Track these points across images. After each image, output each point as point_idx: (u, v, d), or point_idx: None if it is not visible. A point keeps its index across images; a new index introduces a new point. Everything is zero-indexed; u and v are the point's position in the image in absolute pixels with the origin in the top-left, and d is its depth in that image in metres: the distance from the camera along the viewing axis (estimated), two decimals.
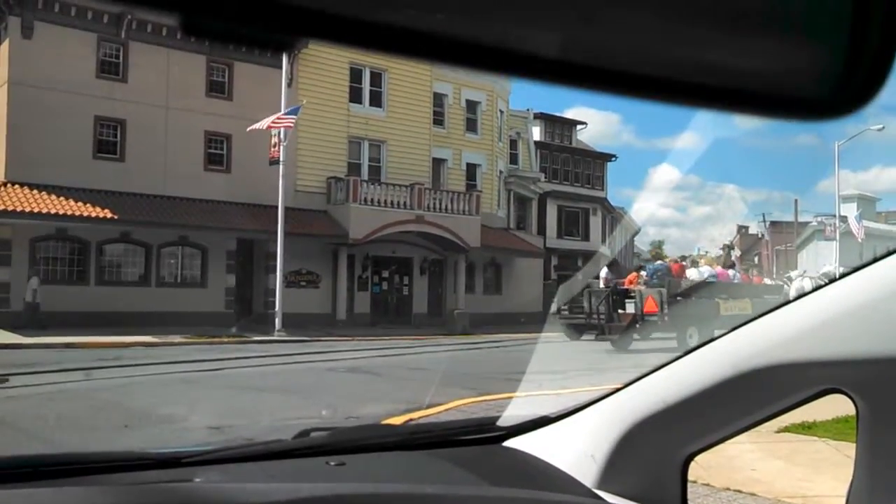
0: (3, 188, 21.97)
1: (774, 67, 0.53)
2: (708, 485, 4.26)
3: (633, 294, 17.84)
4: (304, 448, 1.66)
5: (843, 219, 35.84)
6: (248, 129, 22.40)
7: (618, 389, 1.59)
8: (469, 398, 8.34)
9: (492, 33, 0.48)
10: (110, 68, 24.35)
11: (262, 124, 22.09)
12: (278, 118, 22.01)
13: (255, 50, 24.83)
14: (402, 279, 30.84)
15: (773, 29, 0.52)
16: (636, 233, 55.57)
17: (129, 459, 1.52)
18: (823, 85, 0.55)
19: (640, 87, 0.52)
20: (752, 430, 1.39)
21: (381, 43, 0.48)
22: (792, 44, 0.53)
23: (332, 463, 1.53)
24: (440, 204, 29.21)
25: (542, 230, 39.00)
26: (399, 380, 11.31)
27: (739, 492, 4.21)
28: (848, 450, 4.85)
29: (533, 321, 30.63)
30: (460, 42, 0.48)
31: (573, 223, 41.26)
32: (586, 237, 41.41)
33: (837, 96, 0.56)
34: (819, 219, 43.91)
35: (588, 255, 40.27)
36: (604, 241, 43.07)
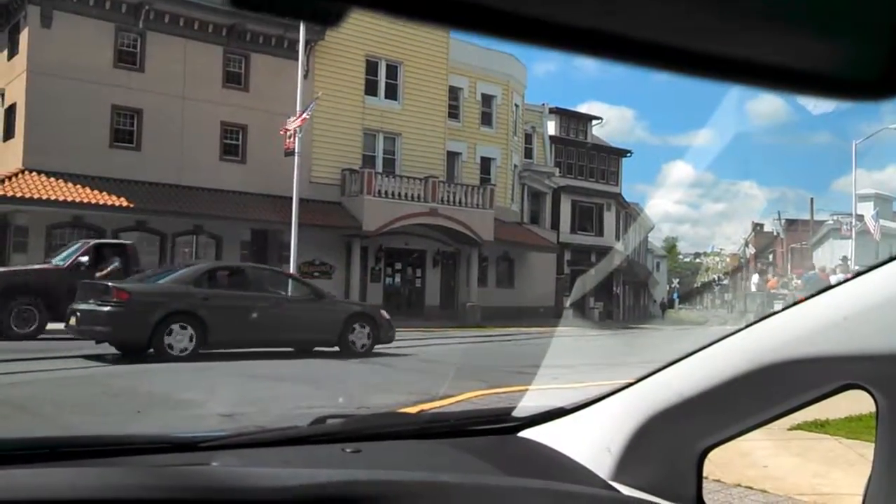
0: (20, 176, 22.16)
1: (821, 46, 0.52)
2: (719, 480, 4.25)
3: (779, 297, 19.93)
4: (320, 435, 1.67)
5: (860, 218, 35.55)
6: (281, 132, 22.31)
7: (634, 382, 1.59)
8: (481, 390, 8.35)
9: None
10: (128, 58, 24.49)
11: (285, 127, 22.08)
12: (295, 118, 22.01)
13: (299, 21, 24.88)
14: (414, 271, 30.89)
15: (822, 6, 0.51)
16: (650, 229, 55.38)
17: (146, 442, 1.53)
18: (871, 65, 0.54)
19: (678, 61, 0.52)
20: (765, 426, 1.39)
21: (422, 11, 0.48)
22: (840, 21, 0.52)
23: (348, 450, 1.54)
24: (454, 197, 29.22)
25: (555, 225, 38.94)
26: (411, 371, 11.33)
27: (751, 488, 4.19)
28: (861, 448, 4.82)
29: (546, 315, 30.63)
30: (483, 7, 0.47)
31: (587, 218, 41.15)
32: (600, 233, 41.30)
33: (887, 77, 0.54)
34: (835, 217, 43.60)
35: (602, 251, 40.19)
36: (618, 237, 42.95)
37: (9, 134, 24.06)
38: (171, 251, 24.91)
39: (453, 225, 28.90)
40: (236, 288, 12.79)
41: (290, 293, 13.62)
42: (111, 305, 11.38)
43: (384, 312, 14.19)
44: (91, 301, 11.70)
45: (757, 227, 67.35)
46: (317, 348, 13.06)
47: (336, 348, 12.99)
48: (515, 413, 1.85)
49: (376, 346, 13.33)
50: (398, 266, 30.43)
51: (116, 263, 15.38)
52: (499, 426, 1.80)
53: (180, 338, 11.44)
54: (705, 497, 1.51)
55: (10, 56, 24.31)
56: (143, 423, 6.41)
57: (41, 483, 1.17)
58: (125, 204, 22.86)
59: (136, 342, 11.58)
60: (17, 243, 22.06)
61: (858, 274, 1.25)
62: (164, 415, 7.00)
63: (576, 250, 39.46)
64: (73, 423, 6.38)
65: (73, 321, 11.82)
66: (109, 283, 12.17)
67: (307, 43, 24.32)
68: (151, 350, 11.40)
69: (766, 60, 0.52)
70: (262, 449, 1.55)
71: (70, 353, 11.24)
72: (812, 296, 1.29)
